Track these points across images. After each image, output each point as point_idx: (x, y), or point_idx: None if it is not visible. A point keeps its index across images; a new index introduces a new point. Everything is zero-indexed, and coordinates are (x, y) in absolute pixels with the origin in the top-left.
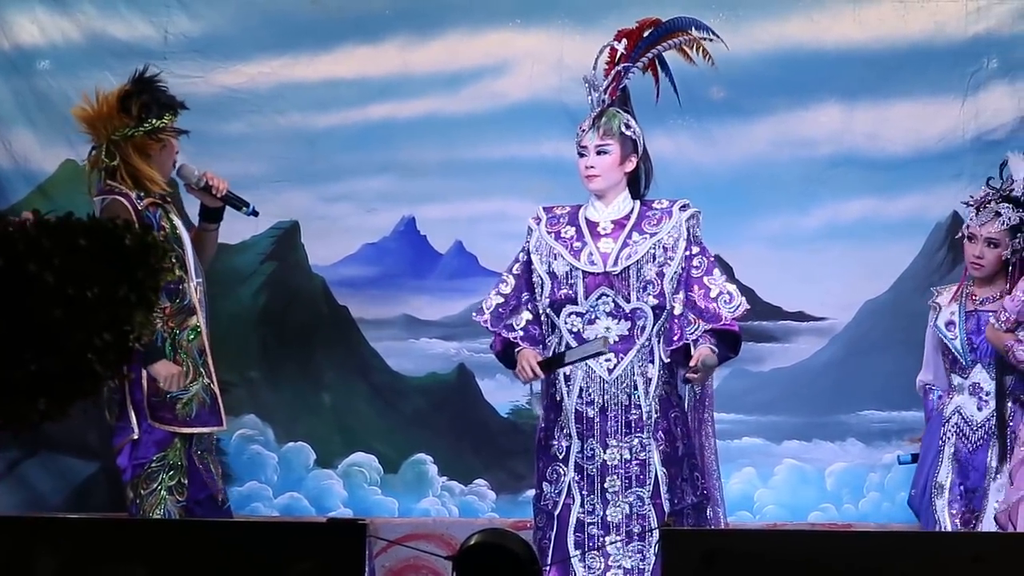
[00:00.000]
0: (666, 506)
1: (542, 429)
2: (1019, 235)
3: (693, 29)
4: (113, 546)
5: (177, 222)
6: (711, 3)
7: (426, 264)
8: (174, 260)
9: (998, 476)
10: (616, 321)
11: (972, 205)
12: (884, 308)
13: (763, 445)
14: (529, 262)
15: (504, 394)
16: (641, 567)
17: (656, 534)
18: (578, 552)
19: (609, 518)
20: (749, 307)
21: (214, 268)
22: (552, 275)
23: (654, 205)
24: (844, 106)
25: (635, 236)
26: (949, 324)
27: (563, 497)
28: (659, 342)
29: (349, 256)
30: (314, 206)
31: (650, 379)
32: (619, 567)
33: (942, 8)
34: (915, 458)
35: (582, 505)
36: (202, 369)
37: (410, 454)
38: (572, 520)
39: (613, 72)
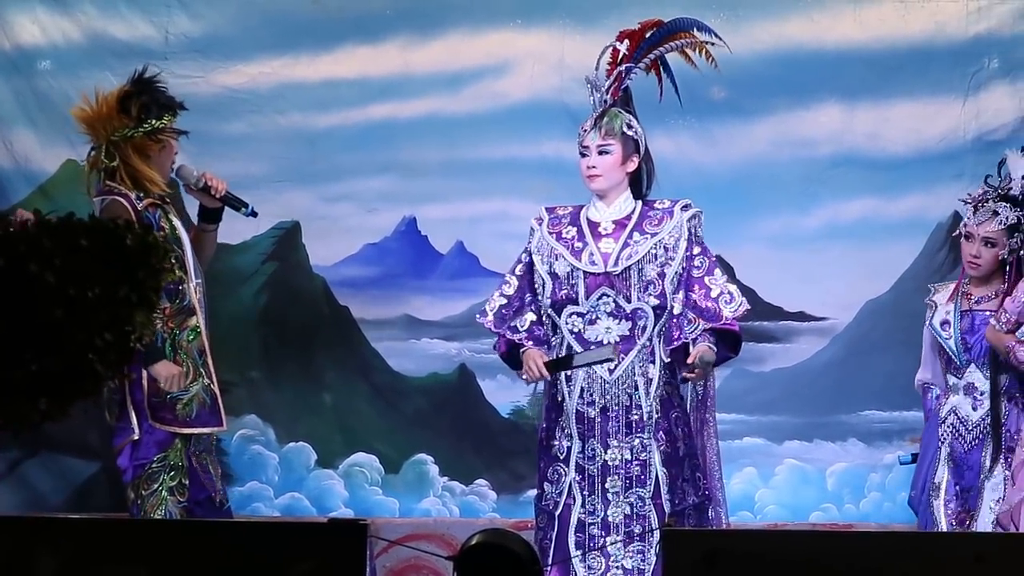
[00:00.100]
0: (667, 506)
1: (543, 429)
2: (1017, 235)
3: (695, 30)
4: (114, 546)
5: (176, 223)
6: (712, 3)
7: (427, 264)
8: (173, 260)
9: (992, 475)
10: (617, 321)
11: (970, 203)
12: (885, 308)
13: (764, 445)
14: (531, 263)
15: (505, 394)
16: (642, 567)
17: (657, 534)
18: (579, 552)
19: (610, 518)
20: (750, 307)
21: (215, 268)
22: (553, 275)
23: (656, 205)
24: (845, 106)
25: (636, 236)
26: (944, 323)
27: (564, 497)
28: (660, 342)
29: (350, 256)
30: (315, 206)
31: (651, 379)
32: (620, 567)
33: (943, 8)
34: (915, 458)
35: (583, 505)
36: (202, 369)
37: (411, 454)
38: (573, 520)
39: (615, 72)
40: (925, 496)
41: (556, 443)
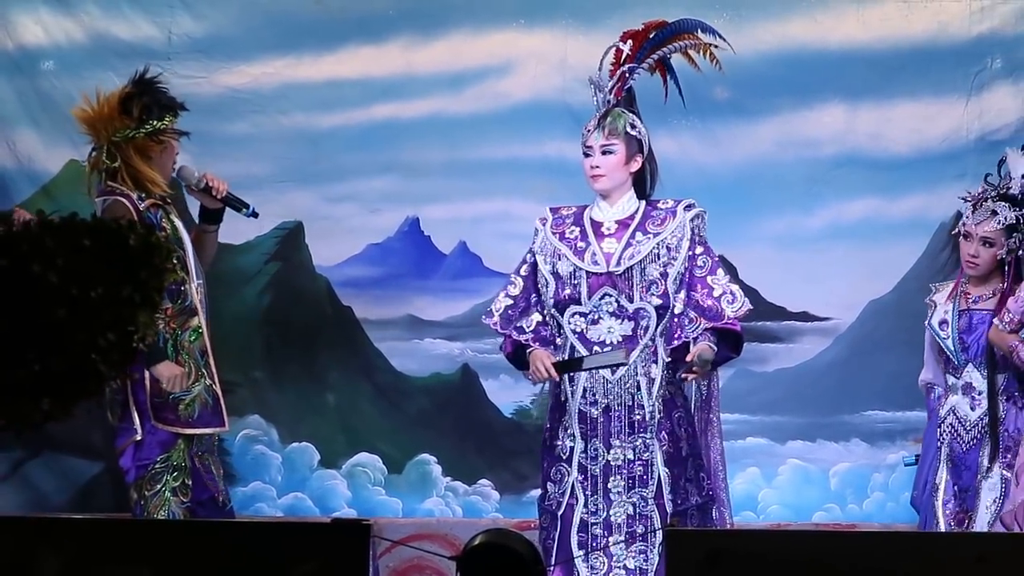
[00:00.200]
0: (669, 507)
1: (547, 429)
2: (1015, 234)
3: (699, 31)
4: (117, 547)
5: (178, 223)
6: (714, 3)
7: (430, 264)
8: (175, 261)
9: (990, 476)
10: (619, 321)
11: (969, 201)
12: (888, 308)
13: (767, 445)
14: (536, 263)
15: (508, 394)
16: (644, 567)
17: (659, 534)
18: (581, 552)
19: (612, 518)
20: (752, 307)
21: (218, 268)
22: (556, 275)
23: (659, 205)
24: (848, 106)
25: (639, 236)
26: (942, 323)
27: (567, 497)
28: (662, 342)
29: (353, 256)
30: (318, 206)
31: (653, 379)
32: (622, 567)
33: (946, 8)
34: (919, 459)
35: (585, 505)
36: (204, 370)
37: (414, 454)
38: (575, 520)
39: (618, 73)
40: (926, 496)
41: (559, 443)
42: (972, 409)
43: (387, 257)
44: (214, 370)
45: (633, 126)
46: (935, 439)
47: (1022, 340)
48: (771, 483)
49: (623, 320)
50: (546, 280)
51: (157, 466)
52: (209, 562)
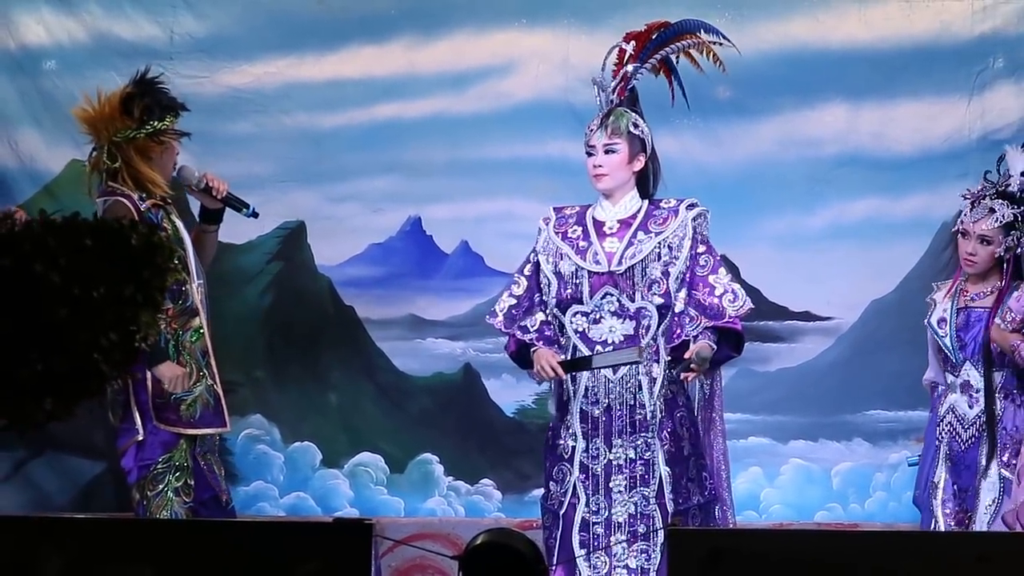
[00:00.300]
0: (671, 506)
1: (551, 428)
2: (1013, 232)
3: (702, 32)
4: (119, 546)
5: (179, 223)
6: (716, 3)
7: (432, 264)
8: (177, 261)
9: (988, 475)
10: (621, 321)
11: (968, 198)
12: (890, 308)
13: (769, 445)
14: (539, 263)
15: (510, 394)
16: (646, 567)
17: (661, 534)
18: (583, 552)
19: (614, 517)
20: (754, 306)
21: (220, 268)
22: (558, 275)
23: (662, 204)
24: (850, 106)
25: (640, 235)
26: (941, 321)
27: (568, 496)
28: (664, 342)
29: (355, 256)
30: (320, 206)
31: (655, 379)
32: (624, 567)
33: (948, 7)
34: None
35: (587, 504)
36: (205, 370)
37: (416, 454)
38: (577, 519)
39: (621, 72)
40: (926, 495)
41: (561, 442)
42: (970, 407)
43: (389, 257)
44: (215, 370)
45: (636, 125)
46: (935, 438)
47: None
48: (773, 482)
49: (624, 319)
50: (548, 280)
51: (159, 466)
52: (211, 562)
